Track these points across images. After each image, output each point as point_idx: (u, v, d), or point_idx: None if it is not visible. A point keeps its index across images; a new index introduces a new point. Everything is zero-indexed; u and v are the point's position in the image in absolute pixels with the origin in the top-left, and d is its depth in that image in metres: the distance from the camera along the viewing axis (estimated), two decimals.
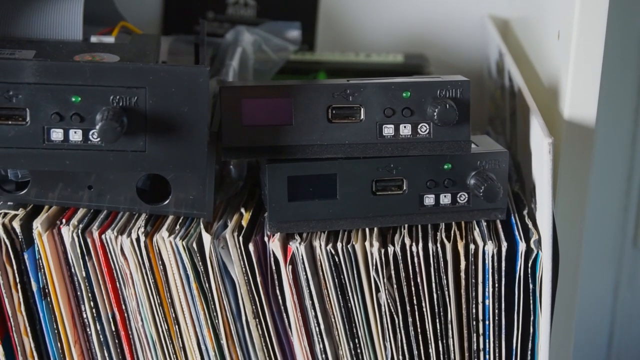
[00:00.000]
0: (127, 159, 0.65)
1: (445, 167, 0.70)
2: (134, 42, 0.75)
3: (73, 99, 0.63)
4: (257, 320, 0.71)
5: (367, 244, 0.69)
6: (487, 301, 0.69)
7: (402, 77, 0.71)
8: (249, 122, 0.68)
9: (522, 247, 0.68)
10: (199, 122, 0.65)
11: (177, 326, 0.72)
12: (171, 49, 0.89)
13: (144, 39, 0.77)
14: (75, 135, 0.64)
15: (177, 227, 0.71)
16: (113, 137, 0.62)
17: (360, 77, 0.71)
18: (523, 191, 0.76)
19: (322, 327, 0.71)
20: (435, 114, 0.66)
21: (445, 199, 0.71)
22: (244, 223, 0.71)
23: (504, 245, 0.68)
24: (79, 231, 0.69)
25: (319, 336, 0.71)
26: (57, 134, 0.64)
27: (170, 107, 0.64)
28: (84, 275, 0.71)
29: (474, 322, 0.70)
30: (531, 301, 0.69)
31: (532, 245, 0.68)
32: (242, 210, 0.73)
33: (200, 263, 0.70)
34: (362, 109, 0.68)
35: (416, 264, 0.69)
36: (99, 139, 0.64)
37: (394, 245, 0.69)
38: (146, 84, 0.64)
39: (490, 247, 0.68)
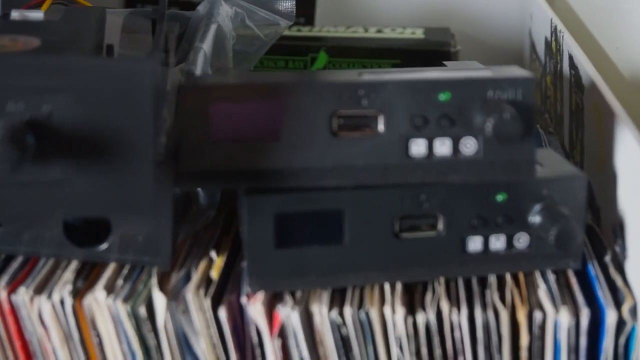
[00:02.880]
0: (37, 196, 0.45)
1: (499, 198, 0.51)
2: (67, 18, 0.58)
3: None
4: None
5: (387, 309, 0.50)
6: None
7: (436, 68, 0.53)
8: (220, 135, 0.49)
9: (611, 316, 0.48)
10: (141, 141, 0.45)
11: None
12: (126, 25, 0.72)
13: (83, 14, 0.60)
14: None
15: (121, 281, 0.52)
16: (8, 165, 0.42)
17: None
18: (598, 223, 0.56)
19: None
20: (489, 125, 0.47)
21: (498, 242, 0.52)
22: (215, 274, 0.52)
23: (585, 313, 0.48)
24: None
25: None
26: None
27: (101, 119, 0.45)
28: None
29: None
30: None
31: (626, 315, 0.47)
32: (213, 253, 0.53)
33: (151, 335, 0.51)
34: (380, 118, 0.49)
35: (457, 339, 0.50)
36: None
37: (425, 311, 0.50)
38: (65, 86, 0.45)
39: (564, 317, 0.48)
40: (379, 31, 0.86)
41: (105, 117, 0.45)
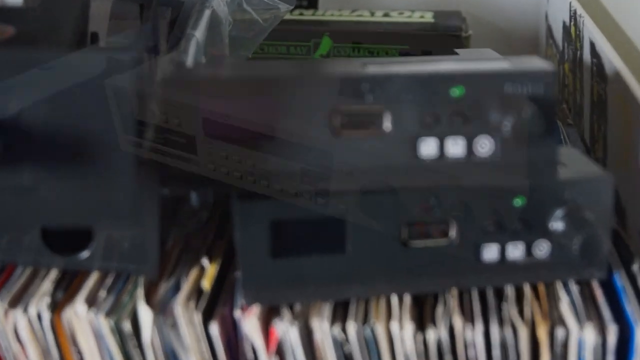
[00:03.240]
0: (10, 202, 0.42)
1: (516, 202, 0.47)
2: (48, 4, 0.54)
3: None
4: None
5: (394, 324, 0.46)
6: None
7: (447, 58, 0.50)
8: (209, 134, 0.45)
9: None
10: (120, 142, 0.40)
11: None
12: (114, 11, 0.68)
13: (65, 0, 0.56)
14: None
15: (104, 292, 0.48)
16: None
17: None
18: (624, 227, 0.52)
19: None
20: (507, 124, 0.43)
21: (516, 250, 0.48)
22: (207, 284, 0.48)
23: (612, 330, 0.44)
24: None
25: None
26: None
27: (74, 119, 0.41)
28: None
29: None
30: None
31: None
32: (205, 261, 0.49)
33: (137, 351, 0.47)
34: (387, 115, 0.45)
35: (472, 358, 0.46)
36: None
37: (436, 327, 0.46)
38: (33, 82, 0.42)
39: (590, 335, 0.44)
40: (386, 15, 0.83)
41: (80, 116, 0.41)
